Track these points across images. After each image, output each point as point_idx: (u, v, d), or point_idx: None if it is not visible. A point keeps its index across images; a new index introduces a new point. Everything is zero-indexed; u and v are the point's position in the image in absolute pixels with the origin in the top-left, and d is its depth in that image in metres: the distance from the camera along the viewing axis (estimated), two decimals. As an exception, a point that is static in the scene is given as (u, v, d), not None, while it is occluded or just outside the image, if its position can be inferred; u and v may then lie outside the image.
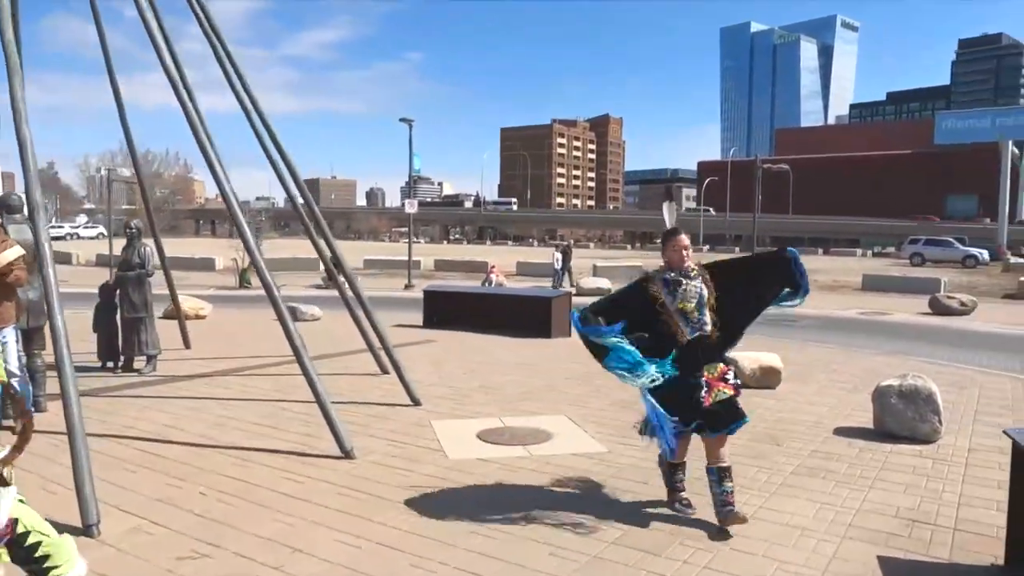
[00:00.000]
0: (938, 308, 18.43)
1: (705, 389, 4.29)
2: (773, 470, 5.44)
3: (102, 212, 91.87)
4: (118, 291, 8.90)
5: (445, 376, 9.01)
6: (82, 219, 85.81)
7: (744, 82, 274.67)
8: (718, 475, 4.32)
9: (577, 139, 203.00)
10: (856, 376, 9.36)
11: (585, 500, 4.78)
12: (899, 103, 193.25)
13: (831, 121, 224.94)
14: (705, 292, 4.42)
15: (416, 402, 7.38)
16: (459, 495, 4.84)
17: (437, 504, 4.64)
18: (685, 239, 4.52)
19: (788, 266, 4.59)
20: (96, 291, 9.34)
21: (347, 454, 5.56)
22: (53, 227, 74.08)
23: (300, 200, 8.26)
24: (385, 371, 8.87)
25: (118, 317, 8.89)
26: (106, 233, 76.58)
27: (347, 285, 8.66)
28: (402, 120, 25.18)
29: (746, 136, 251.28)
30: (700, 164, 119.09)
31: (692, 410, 4.30)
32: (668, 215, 4.69)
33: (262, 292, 6.18)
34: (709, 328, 4.36)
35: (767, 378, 8.42)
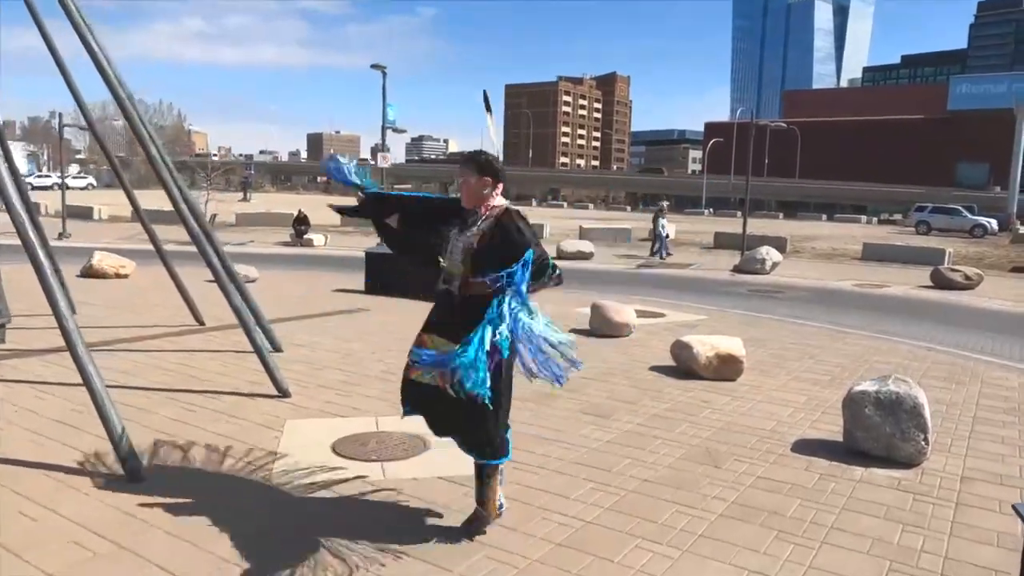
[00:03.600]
0: (940, 281, 16.92)
1: (413, 358, 3.48)
2: (696, 511, 4.05)
3: (93, 163, 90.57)
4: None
5: (348, 357, 7.63)
6: (73, 169, 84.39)
7: (756, 42, 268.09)
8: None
9: (583, 97, 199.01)
10: (836, 365, 7.95)
11: (410, 566, 3.40)
12: (913, 67, 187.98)
13: (843, 84, 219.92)
14: (475, 243, 3.43)
15: (283, 393, 6.01)
16: (242, 547, 3.45)
17: (192, 567, 3.26)
18: (471, 176, 3.44)
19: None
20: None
21: (130, 474, 4.19)
22: (41, 176, 72.88)
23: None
24: (278, 348, 7.59)
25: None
26: (95, 184, 75.63)
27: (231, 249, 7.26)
28: (374, 67, 23.26)
29: (756, 98, 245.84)
30: (707, 125, 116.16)
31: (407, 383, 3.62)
32: (493, 131, 3.40)
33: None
34: (456, 285, 3.50)
35: (725, 368, 7.02)
